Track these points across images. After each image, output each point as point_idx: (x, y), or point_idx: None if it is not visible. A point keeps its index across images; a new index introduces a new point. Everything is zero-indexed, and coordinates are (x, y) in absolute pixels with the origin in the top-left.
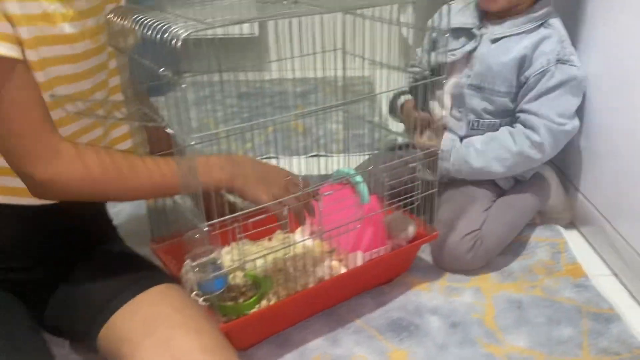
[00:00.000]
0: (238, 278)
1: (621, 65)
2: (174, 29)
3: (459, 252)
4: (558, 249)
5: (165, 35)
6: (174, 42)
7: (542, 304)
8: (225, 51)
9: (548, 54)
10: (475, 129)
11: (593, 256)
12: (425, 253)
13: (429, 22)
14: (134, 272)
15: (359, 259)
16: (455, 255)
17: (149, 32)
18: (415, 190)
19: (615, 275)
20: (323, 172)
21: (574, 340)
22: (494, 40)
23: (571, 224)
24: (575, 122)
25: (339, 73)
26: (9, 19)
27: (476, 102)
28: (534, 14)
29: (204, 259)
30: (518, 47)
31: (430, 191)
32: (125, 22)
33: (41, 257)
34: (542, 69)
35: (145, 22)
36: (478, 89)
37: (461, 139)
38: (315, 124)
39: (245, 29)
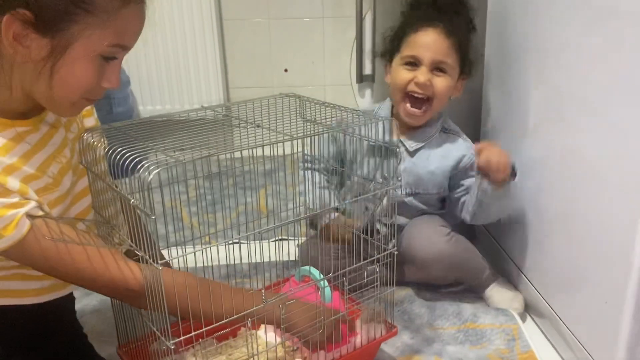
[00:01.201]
0: None
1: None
2: (146, 164)
3: (436, 237)
4: (512, 336)
5: (137, 168)
6: (145, 175)
7: None
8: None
9: (462, 151)
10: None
11: (545, 343)
12: (387, 345)
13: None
14: None
15: (322, 358)
16: (433, 241)
17: (122, 161)
18: (374, 289)
19: None
20: (289, 257)
21: None
22: (413, 152)
23: (524, 311)
24: None
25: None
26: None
27: (416, 203)
28: (437, 121)
29: None
30: (437, 156)
31: (389, 290)
32: (99, 147)
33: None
34: (462, 158)
35: (119, 150)
36: (414, 195)
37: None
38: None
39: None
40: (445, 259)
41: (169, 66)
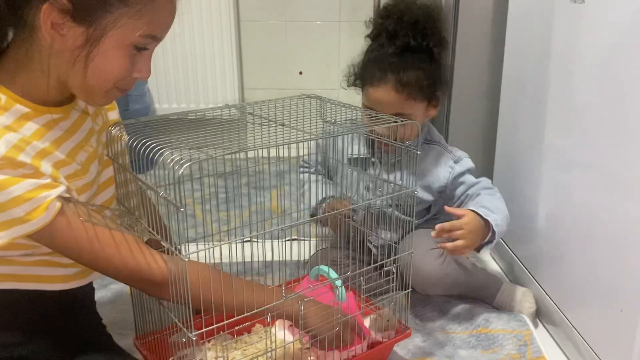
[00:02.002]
0: None
1: (590, 163)
2: (176, 157)
3: (428, 262)
4: (524, 341)
5: (162, 161)
6: (176, 169)
7: None
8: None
9: (446, 165)
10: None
11: (556, 350)
12: (399, 347)
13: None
14: None
15: (335, 358)
16: (425, 268)
17: (149, 153)
18: (389, 290)
19: None
20: (300, 257)
21: None
22: (392, 166)
23: (536, 316)
24: None
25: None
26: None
27: (398, 216)
28: (419, 134)
29: None
30: (418, 171)
31: (404, 291)
32: (125, 139)
33: (47, 346)
34: (448, 176)
35: (147, 143)
36: (397, 206)
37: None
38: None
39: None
40: (440, 283)
41: (185, 65)
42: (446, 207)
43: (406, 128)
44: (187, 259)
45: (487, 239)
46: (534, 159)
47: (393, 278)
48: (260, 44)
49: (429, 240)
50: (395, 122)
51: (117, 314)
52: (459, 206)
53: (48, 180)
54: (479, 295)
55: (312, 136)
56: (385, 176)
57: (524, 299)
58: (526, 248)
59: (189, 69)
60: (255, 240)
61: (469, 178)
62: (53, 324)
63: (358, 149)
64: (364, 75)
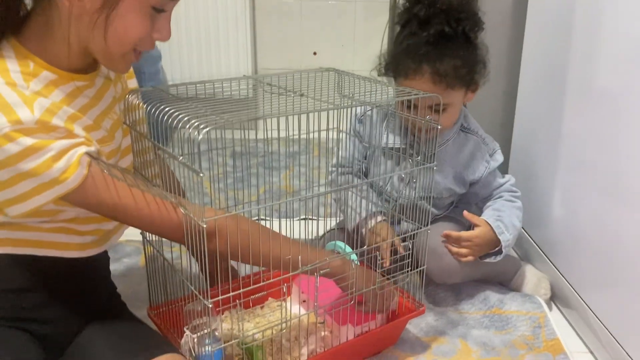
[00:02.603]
0: (232, 347)
1: (608, 147)
2: (195, 122)
3: (445, 260)
4: (538, 323)
5: (187, 127)
6: (195, 134)
7: None
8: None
9: (483, 159)
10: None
11: (570, 332)
12: (412, 325)
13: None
14: (143, 339)
15: (349, 332)
16: (442, 266)
17: (170, 121)
18: (405, 266)
19: (592, 353)
20: (312, 236)
21: None
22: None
23: (550, 299)
24: None
25: (327, 134)
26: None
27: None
28: (456, 122)
29: (204, 331)
30: (455, 162)
31: (419, 268)
32: (142, 106)
33: (63, 313)
34: (484, 170)
35: (165, 110)
36: (426, 198)
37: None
38: (305, 187)
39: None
40: (460, 272)
41: (199, 45)
42: (465, 213)
43: (442, 117)
44: (204, 225)
45: (493, 251)
46: (552, 143)
47: (409, 254)
48: (275, 23)
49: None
50: (416, 94)
51: (130, 286)
52: (480, 202)
53: (81, 139)
54: (496, 279)
55: (331, 106)
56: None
57: (539, 284)
58: (543, 231)
59: (202, 49)
60: (264, 218)
61: (498, 176)
62: (70, 289)
63: (394, 138)
64: (396, 66)
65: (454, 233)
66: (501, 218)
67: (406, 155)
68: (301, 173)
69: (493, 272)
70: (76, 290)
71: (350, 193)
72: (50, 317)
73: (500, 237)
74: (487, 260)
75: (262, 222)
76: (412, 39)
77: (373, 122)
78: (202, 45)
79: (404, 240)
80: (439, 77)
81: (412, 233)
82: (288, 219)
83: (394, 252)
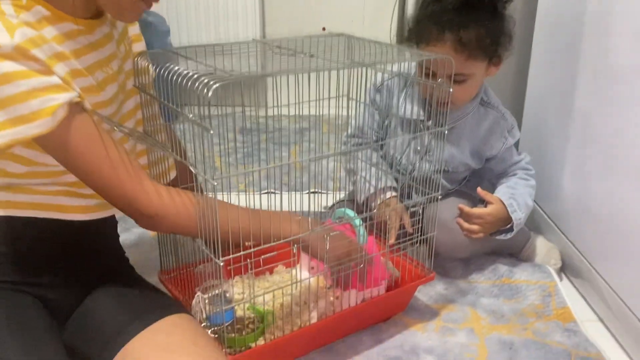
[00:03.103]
0: (242, 311)
1: (612, 115)
2: (204, 79)
3: (458, 234)
4: (548, 292)
5: (196, 85)
6: (205, 91)
7: (533, 346)
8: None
9: (501, 135)
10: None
11: (580, 301)
12: (421, 293)
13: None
14: (149, 300)
15: (353, 297)
16: (451, 245)
17: (179, 80)
18: (414, 232)
19: (602, 321)
20: (321, 209)
21: None
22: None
23: (560, 269)
24: None
25: (336, 112)
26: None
27: (442, 181)
28: (476, 96)
29: (216, 292)
30: (473, 137)
31: (428, 234)
32: (152, 67)
33: (68, 276)
34: (501, 147)
35: (174, 69)
36: (442, 172)
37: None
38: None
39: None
40: (471, 246)
41: (207, 16)
42: (479, 190)
43: (461, 90)
44: (215, 183)
45: (504, 229)
46: (563, 117)
47: (419, 220)
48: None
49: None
50: (428, 56)
51: (141, 254)
52: (494, 178)
53: (59, 82)
54: (506, 251)
55: (341, 65)
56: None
57: (549, 254)
58: (554, 203)
59: (210, 20)
60: (273, 191)
61: (514, 153)
62: (74, 253)
63: (411, 109)
64: (419, 32)
65: (467, 208)
66: (514, 196)
67: (423, 127)
68: (310, 149)
69: (502, 245)
70: (80, 253)
71: (361, 164)
72: (54, 282)
73: (512, 216)
74: (498, 237)
75: (272, 196)
76: (436, 5)
77: (391, 91)
78: (210, 17)
79: (413, 213)
80: (461, 45)
81: (423, 199)
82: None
83: (402, 228)
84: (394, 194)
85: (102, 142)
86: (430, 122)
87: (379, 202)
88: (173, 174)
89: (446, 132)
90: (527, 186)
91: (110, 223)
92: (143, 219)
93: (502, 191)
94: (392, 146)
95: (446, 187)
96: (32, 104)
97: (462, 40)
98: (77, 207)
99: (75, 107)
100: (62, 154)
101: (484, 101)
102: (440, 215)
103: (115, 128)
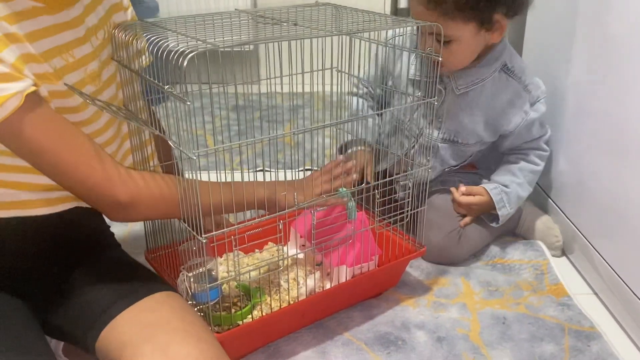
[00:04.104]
0: (230, 289)
1: (609, 88)
2: (181, 48)
3: (445, 246)
4: (541, 270)
5: (172, 54)
6: (180, 60)
7: (525, 320)
8: (218, 64)
9: (521, 109)
10: (448, 175)
11: (575, 275)
12: (412, 268)
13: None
14: (135, 278)
15: (344, 273)
16: (442, 248)
17: (155, 50)
18: (404, 207)
19: (596, 294)
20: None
21: (556, 357)
22: (460, 94)
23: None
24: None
25: (331, 89)
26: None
27: (447, 154)
28: (495, 60)
29: (200, 270)
30: (489, 107)
31: (419, 208)
32: (130, 39)
33: (45, 262)
34: (520, 122)
35: (151, 39)
36: (450, 142)
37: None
38: (308, 139)
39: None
40: (463, 255)
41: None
42: (461, 187)
43: (447, 52)
44: (195, 157)
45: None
46: (558, 92)
47: (409, 193)
48: None
49: (451, 220)
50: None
51: (128, 234)
52: (504, 149)
53: (7, 70)
54: (502, 228)
55: (328, 32)
56: (448, 106)
57: (549, 232)
58: (550, 178)
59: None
60: (268, 169)
61: (533, 129)
62: (49, 249)
63: (415, 70)
64: None
65: (456, 194)
66: (507, 191)
67: (427, 88)
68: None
69: (497, 231)
70: (57, 249)
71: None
72: (30, 274)
73: (499, 212)
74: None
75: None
76: None
77: (397, 50)
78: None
79: (404, 186)
80: (433, 1)
81: (414, 171)
82: (289, 170)
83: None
84: (364, 148)
85: (65, 131)
86: (440, 86)
87: (347, 152)
88: (155, 162)
89: (435, 103)
90: (530, 173)
91: (92, 211)
92: (118, 208)
93: (499, 180)
94: (401, 111)
95: (449, 163)
96: None
97: None
98: (38, 201)
99: (31, 97)
100: (15, 145)
101: (507, 68)
102: (436, 220)
103: (88, 101)
